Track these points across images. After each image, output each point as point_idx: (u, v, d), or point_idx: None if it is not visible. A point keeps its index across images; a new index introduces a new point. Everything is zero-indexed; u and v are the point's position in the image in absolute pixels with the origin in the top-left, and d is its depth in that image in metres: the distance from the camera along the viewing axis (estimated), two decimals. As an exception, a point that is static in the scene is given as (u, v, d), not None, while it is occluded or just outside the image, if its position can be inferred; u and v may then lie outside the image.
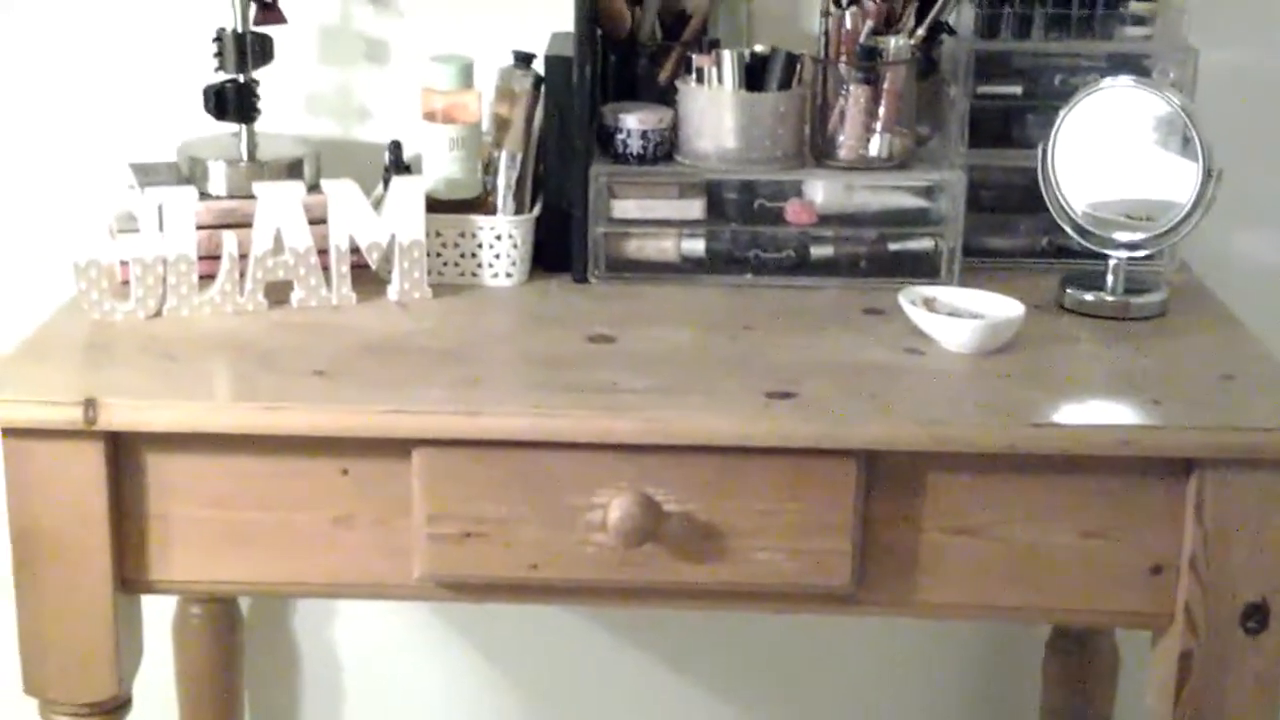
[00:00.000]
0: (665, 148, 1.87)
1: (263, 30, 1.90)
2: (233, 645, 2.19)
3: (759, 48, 1.86)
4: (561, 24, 1.87)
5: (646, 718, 2.32)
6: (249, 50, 1.88)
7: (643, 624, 2.28)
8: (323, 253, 1.76)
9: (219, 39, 1.88)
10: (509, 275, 1.85)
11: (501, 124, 1.88)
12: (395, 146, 1.88)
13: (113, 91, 2.08)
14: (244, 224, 1.75)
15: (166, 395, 1.55)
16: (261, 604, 2.26)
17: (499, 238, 1.84)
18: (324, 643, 2.30)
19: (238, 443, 1.55)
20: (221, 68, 1.89)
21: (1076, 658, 2.18)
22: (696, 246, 1.86)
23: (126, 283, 1.72)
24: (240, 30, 1.88)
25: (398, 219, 1.77)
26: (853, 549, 1.55)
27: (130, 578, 1.59)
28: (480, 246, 1.84)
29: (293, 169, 1.88)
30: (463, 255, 1.84)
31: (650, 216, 1.86)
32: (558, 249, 1.86)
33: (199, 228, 1.73)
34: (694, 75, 1.85)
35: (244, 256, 1.74)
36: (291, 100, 2.05)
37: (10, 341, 1.68)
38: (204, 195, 1.83)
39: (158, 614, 2.07)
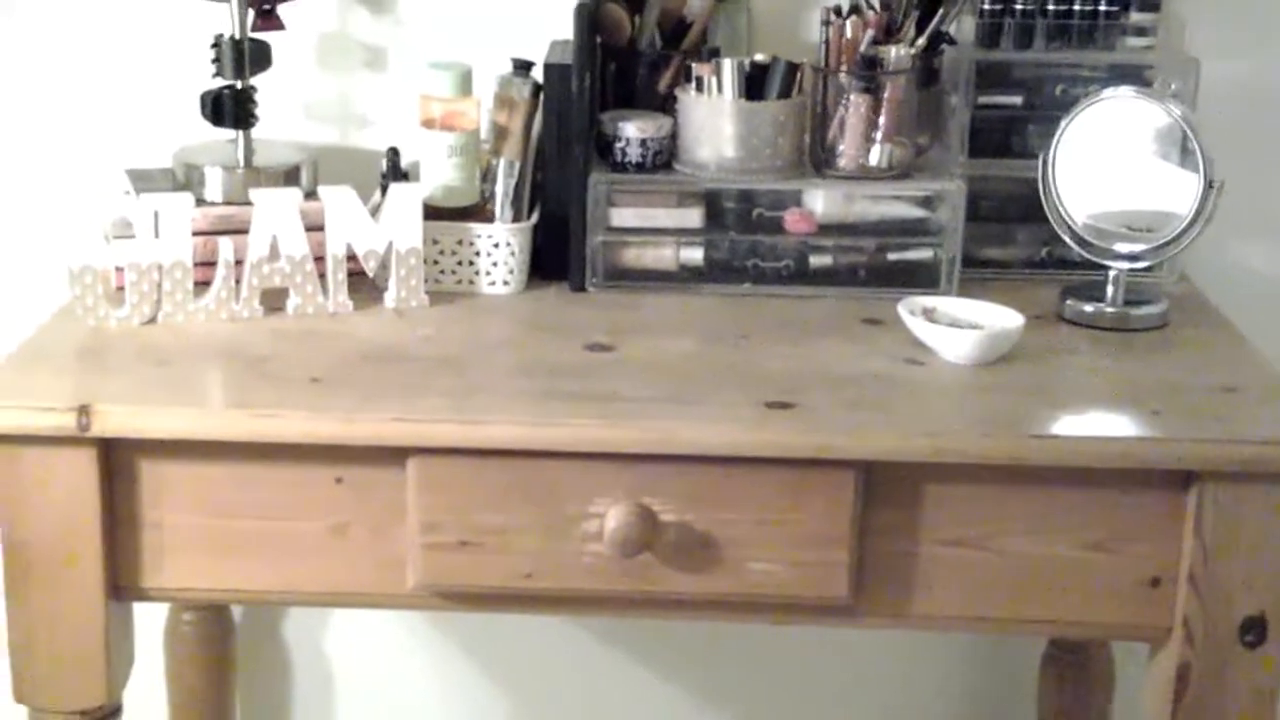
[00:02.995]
0: (664, 156, 1.87)
1: (261, 36, 1.89)
2: (224, 653, 2.18)
3: (759, 56, 1.86)
4: (561, 32, 1.87)
5: (642, 728, 2.32)
6: (247, 56, 1.87)
7: (638, 634, 2.27)
8: (319, 260, 1.76)
9: (217, 45, 1.88)
10: (506, 283, 1.84)
11: (500, 131, 1.88)
12: (393, 153, 1.87)
13: (109, 97, 2.07)
14: (240, 230, 1.75)
15: (160, 402, 1.54)
16: (253, 611, 2.25)
17: (497, 245, 1.83)
18: (316, 650, 2.29)
19: (232, 450, 1.54)
20: (219, 74, 1.88)
21: (1073, 670, 2.17)
22: (695, 255, 1.86)
23: (121, 289, 1.71)
24: (238, 36, 1.87)
25: (395, 226, 1.77)
26: (850, 560, 1.54)
27: (123, 585, 1.58)
28: (478, 254, 1.83)
29: (290, 175, 1.88)
30: (460, 263, 1.84)
31: (649, 225, 1.85)
32: (556, 257, 1.86)
33: (195, 234, 1.73)
34: (694, 84, 1.85)
35: (240, 263, 1.73)
36: (289, 107, 2.04)
37: (4, 347, 1.67)
38: (200, 201, 1.82)
39: (149, 621, 2.06)
